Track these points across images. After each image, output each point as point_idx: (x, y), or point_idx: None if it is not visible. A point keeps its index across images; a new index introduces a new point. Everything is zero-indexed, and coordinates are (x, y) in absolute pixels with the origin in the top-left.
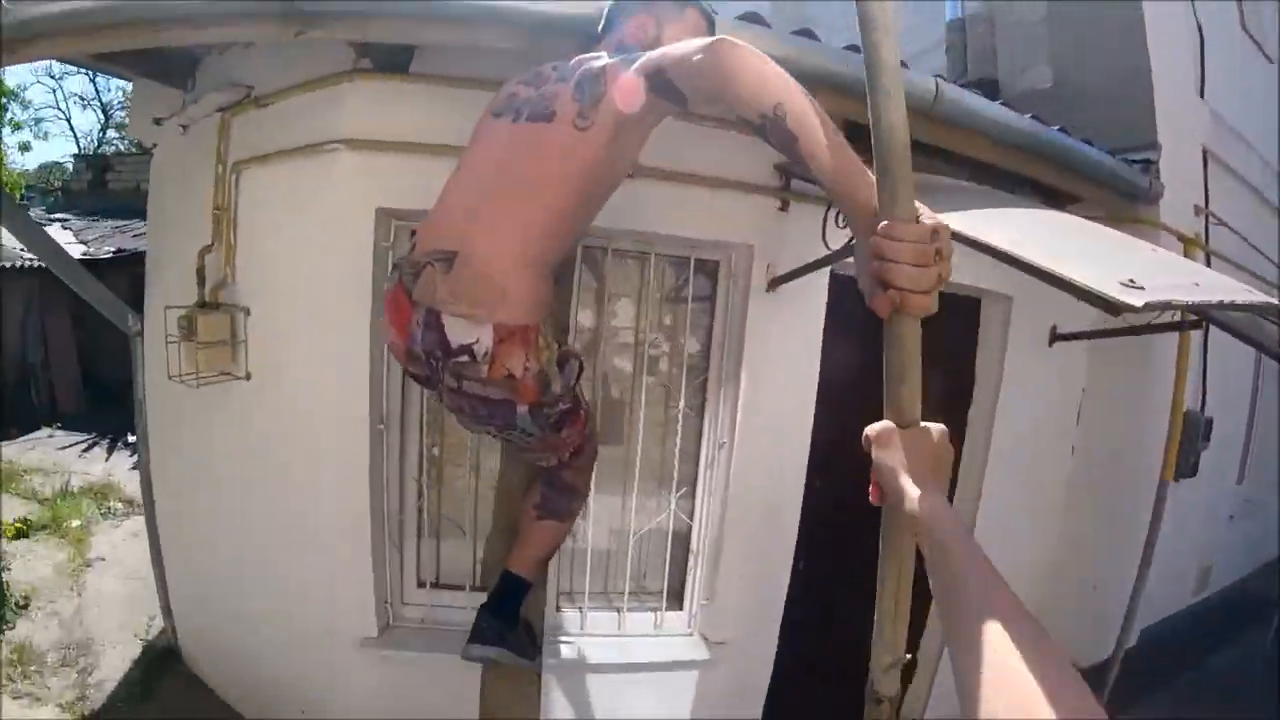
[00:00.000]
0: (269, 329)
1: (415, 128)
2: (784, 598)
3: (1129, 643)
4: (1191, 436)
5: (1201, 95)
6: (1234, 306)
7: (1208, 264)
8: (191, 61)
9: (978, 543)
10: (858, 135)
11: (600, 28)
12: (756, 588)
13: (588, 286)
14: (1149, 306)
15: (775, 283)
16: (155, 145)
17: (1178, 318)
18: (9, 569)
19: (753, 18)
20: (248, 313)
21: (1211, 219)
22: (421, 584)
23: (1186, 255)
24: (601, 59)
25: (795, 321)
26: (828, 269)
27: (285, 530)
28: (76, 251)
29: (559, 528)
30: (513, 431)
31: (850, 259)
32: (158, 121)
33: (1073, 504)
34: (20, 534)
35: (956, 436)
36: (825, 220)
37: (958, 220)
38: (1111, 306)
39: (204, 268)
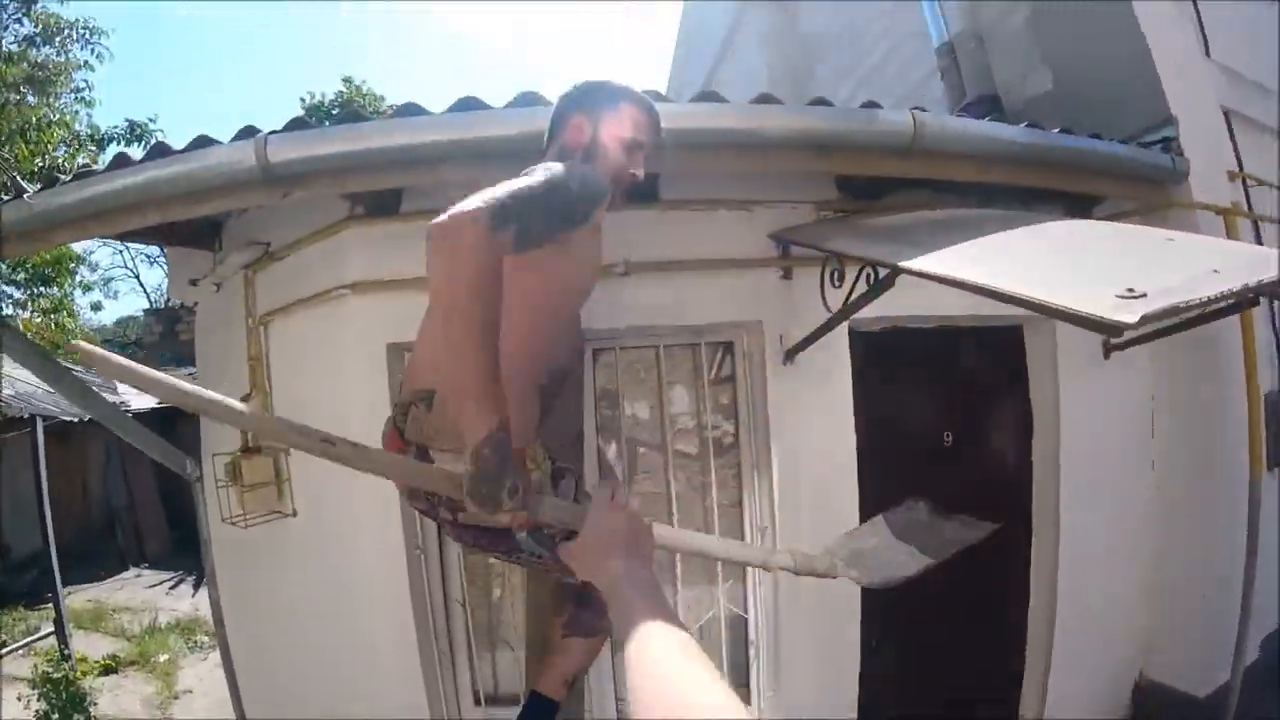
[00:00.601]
0: (310, 467)
1: (413, 264)
2: (857, 678)
3: (1248, 658)
4: (1275, 421)
5: (1208, 54)
6: (1249, 291)
7: (1256, 231)
8: (214, 225)
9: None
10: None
11: (545, 136)
12: (825, 672)
13: (606, 390)
14: (1146, 319)
15: (790, 353)
16: (196, 304)
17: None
18: (95, 704)
19: (655, 95)
20: (289, 453)
21: (1251, 180)
22: (478, 701)
23: (1227, 229)
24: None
25: (821, 388)
26: (845, 328)
27: (342, 657)
28: (149, 401)
29: (588, 645)
30: (521, 555)
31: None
32: (193, 283)
33: (1165, 519)
34: (108, 670)
35: None
36: (822, 280)
37: (937, 262)
38: (1106, 328)
39: None
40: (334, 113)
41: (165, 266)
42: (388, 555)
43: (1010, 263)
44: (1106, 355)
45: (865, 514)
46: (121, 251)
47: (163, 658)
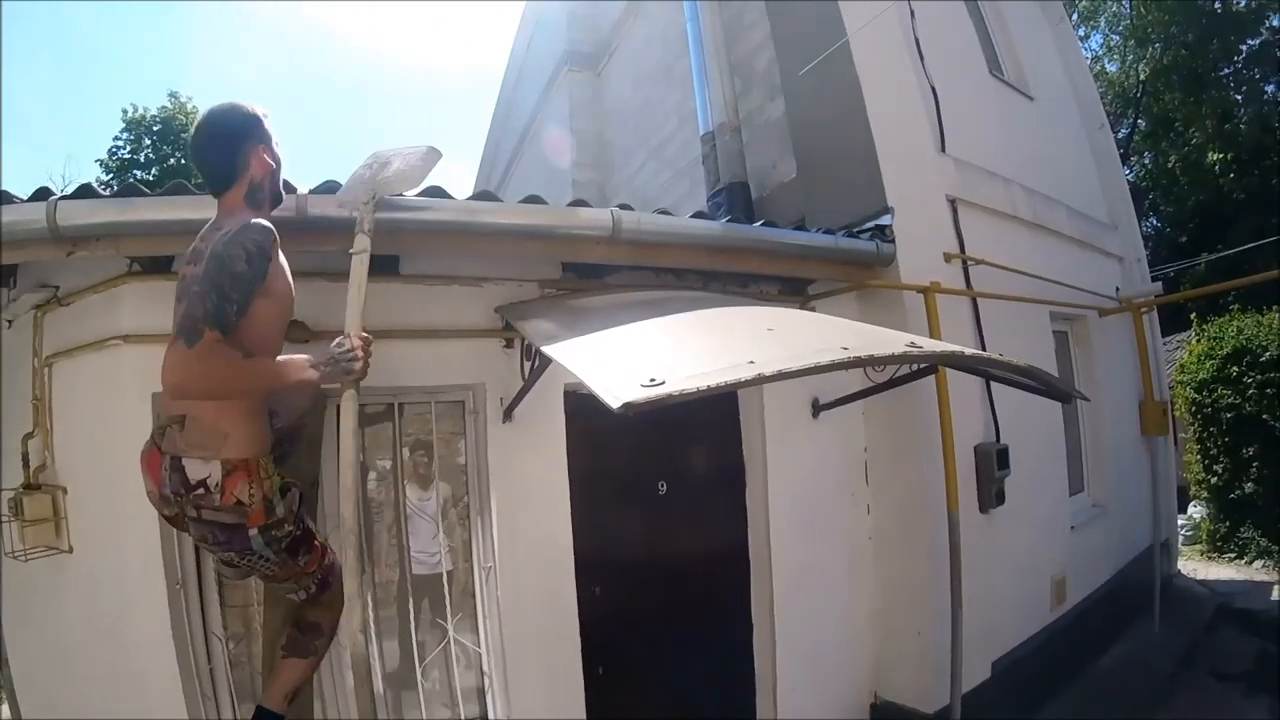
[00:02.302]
0: (84, 506)
1: None
2: (584, 701)
3: (973, 679)
4: (986, 468)
5: (942, 149)
6: (763, 379)
7: (974, 303)
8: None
9: None
10: None
11: (210, 180)
12: (554, 697)
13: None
14: (629, 406)
15: (508, 411)
16: None
17: (914, 369)
18: None
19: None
20: (65, 491)
21: (971, 261)
22: None
23: (927, 304)
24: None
25: (538, 442)
26: (560, 392)
27: (113, 690)
28: None
29: (302, 664)
30: (252, 556)
31: (578, 381)
32: None
33: (880, 557)
34: None
35: None
36: (522, 351)
37: (577, 343)
38: (611, 406)
39: (27, 452)
40: (155, 129)
41: None
42: (152, 589)
43: (621, 342)
44: (815, 415)
45: (580, 553)
46: None
47: None
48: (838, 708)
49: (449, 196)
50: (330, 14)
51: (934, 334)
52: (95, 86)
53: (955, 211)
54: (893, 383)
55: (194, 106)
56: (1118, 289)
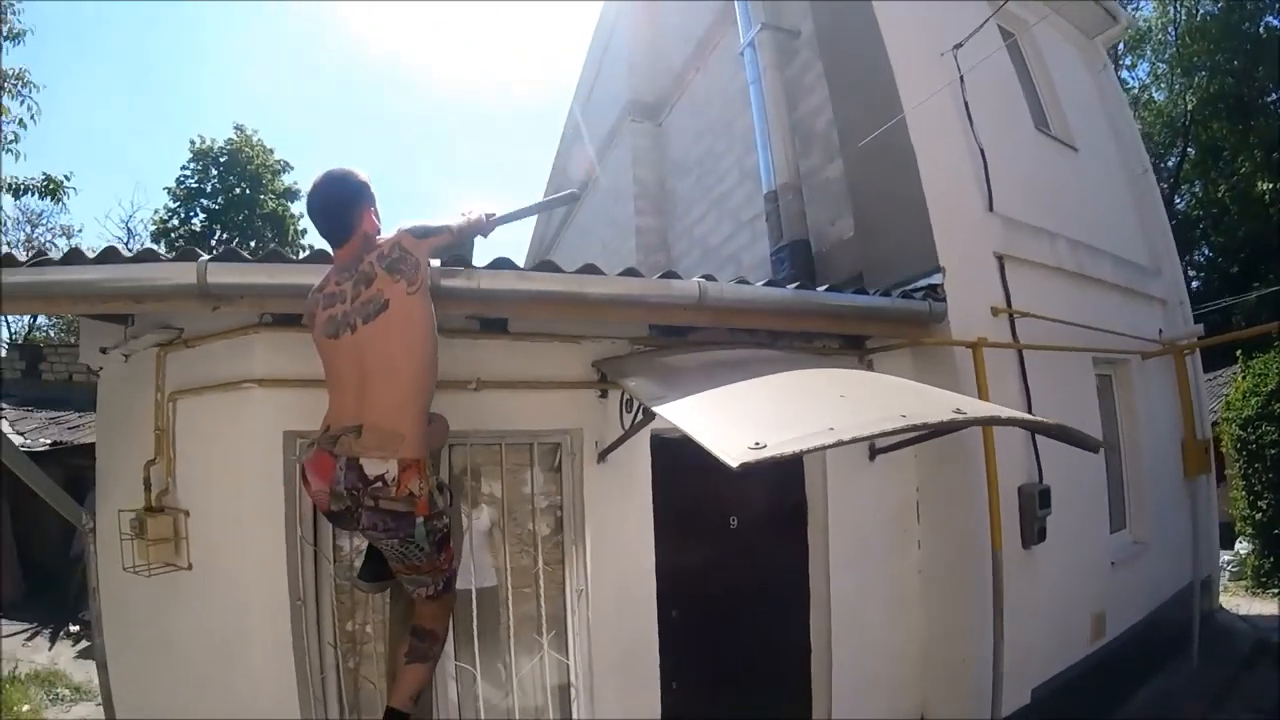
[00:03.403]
0: (205, 527)
1: (308, 365)
2: (660, 716)
3: (1013, 704)
4: (1029, 507)
5: (990, 208)
6: (843, 443)
7: (1020, 355)
8: None
9: None
10: None
11: (331, 234)
12: (633, 711)
13: (459, 476)
14: (744, 466)
15: (603, 454)
16: (101, 368)
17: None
18: None
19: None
20: (187, 514)
21: (1017, 314)
22: None
23: (975, 358)
24: (389, 244)
25: (627, 481)
26: (647, 437)
27: (227, 694)
28: (16, 442)
29: (423, 669)
30: (411, 543)
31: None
32: (103, 350)
33: (929, 591)
34: None
35: None
36: (621, 403)
37: (677, 402)
38: (730, 466)
39: (149, 477)
40: (221, 160)
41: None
42: (273, 605)
43: (718, 404)
44: (871, 458)
45: (661, 580)
46: None
47: (25, 708)
48: None
49: (560, 270)
50: (396, 53)
51: (980, 385)
52: (163, 115)
53: (1003, 267)
54: (942, 430)
55: (259, 140)
56: (1160, 331)
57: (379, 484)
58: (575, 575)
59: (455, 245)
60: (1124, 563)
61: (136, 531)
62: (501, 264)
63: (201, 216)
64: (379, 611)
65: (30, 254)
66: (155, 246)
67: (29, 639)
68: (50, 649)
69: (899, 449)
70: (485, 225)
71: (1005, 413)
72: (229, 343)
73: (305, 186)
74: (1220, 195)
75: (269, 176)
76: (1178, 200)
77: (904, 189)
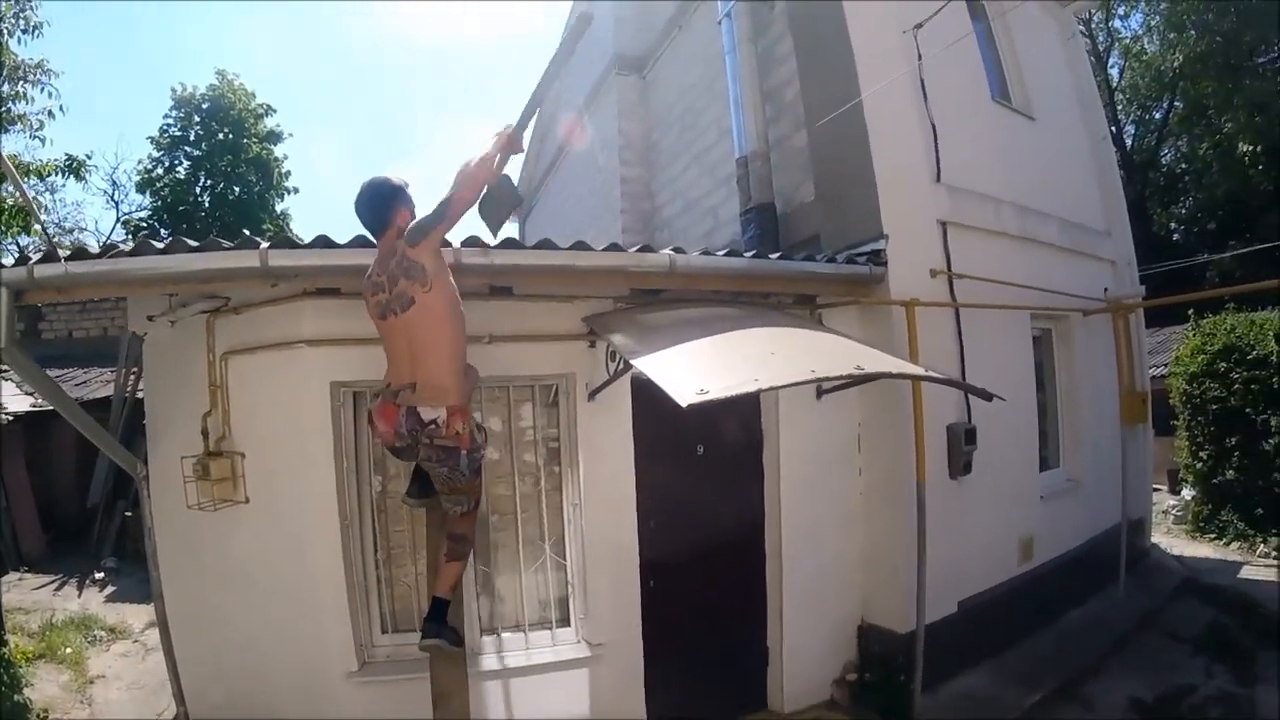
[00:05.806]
0: (261, 466)
1: (349, 326)
2: (640, 606)
3: (940, 612)
4: (955, 443)
5: (939, 179)
6: (764, 390)
7: (956, 314)
8: None
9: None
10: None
11: (370, 227)
12: (618, 603)
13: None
14: (691, 405)
15: (592, 394)
16: (147, 334)
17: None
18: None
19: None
20: (244, 456)
21: (955, 276)
22: (385, 630)
23: (908, 316)
24: (400, 253)
25: (612, 416)
26: (629, 379)
27: (283, 605)
28: (24, 402)
29: (458, 565)
30: (457, 470)
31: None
32: (150, 318)
33: (868, 510)
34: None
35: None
36: (606, 352)
37: (650, 355)
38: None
39: (206, 428)
40: (204, 106)
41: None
42: (325, 525)
43: (679, 357)
44: (818, 397)
45: (640, 496)
46: None
47: (68, 650)
48: (832, 626)
49: (558, 247)
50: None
51: (912, 341)
52: (143, 62)
53: (945, 233)
54: (852, 382)
55: (241, 84)
56: (1106, 290)
57: (433, 426)
58: (571, 492)
59: (494, 181)
60: (1055, 496)
61: (200, 474)
62: (510, 244)
63: (186, 165)
64: (409, 530)
65: (102, 246)
66: (141, 197)
67: (58, 589)
68: (79, 596)
69: (842, 390)
70: (515, 140)
71: (898, 367)
72: (280, 309)
73: (289, 129)
74: (1203, 152)
75: (252, 121)
76: (1164, 153)
77: (857, 162)
